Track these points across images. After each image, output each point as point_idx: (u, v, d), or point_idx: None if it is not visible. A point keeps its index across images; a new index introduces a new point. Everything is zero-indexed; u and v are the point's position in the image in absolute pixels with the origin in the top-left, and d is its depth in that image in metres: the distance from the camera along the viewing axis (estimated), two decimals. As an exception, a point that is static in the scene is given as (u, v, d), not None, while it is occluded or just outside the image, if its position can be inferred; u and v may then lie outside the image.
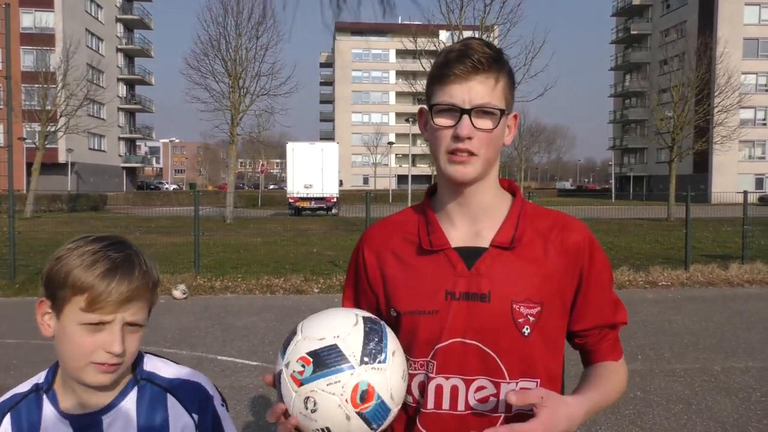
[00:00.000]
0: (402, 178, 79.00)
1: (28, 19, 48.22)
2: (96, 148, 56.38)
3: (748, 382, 5.36)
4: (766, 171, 55.40)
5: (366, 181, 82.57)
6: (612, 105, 75.64)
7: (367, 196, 11.03)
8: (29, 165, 29.51)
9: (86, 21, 53.96)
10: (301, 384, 1.05)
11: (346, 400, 1.03)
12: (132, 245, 1.19)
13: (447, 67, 1.17)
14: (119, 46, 62.41)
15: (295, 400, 1.05)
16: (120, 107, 62.25)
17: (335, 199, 29.59)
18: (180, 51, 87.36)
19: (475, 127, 1.16)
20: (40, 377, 1.22)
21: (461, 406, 1.19)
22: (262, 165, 50.65)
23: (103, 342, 1.09)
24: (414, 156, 42.51)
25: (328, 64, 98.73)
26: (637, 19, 68.54)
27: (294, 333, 1.12)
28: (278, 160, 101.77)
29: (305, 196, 28.28)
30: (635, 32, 66.54)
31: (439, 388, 1.19)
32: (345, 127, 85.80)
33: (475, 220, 1.25)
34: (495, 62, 1.18)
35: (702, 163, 53.59)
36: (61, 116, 28.93)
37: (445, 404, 1.19)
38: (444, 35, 21.08)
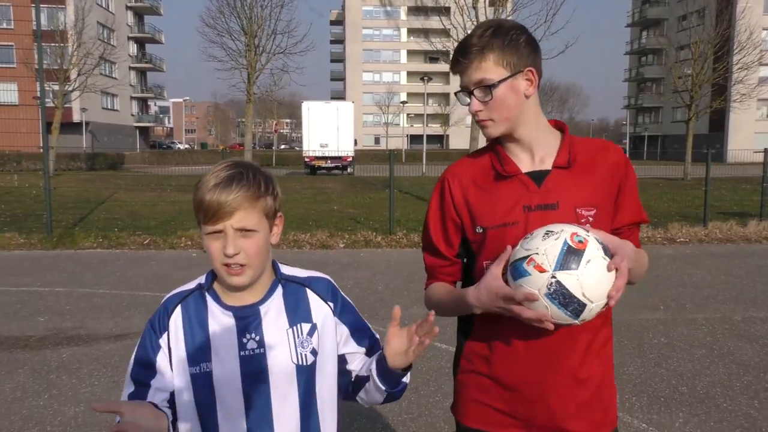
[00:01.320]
0: (414, 138, 78.63)
1: (38, -24, 47.66)
2: (109, 107, 56.45)
3: (767, 329, 5.59)
4: (783, 130, 54.64)
5: (377, 141, 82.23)
6: (627, 63, 74.29)
7: (391, 154, 11.18)
8: (48, 124, 29.66)
9: (95, -22, 53.29)
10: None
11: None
12: (248, 164, 1.38)
13: (453, 66, 1.56)
14: (129, 4, 61.76)
15: (521, 243, 1.39)
16: (131, 66, 62.00)
17: (351, 159, 29.68)
18: (189, 8, 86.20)
19: (479, 101, 1.52)
20: (201, 279, 1.46)
21: None
22: (276, 124, 50.57)
23: (221, 246, 1.31)
24: (427, 115, 42.24)
25: (338, 22, 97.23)
26: (655, -27, 66.70)
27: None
28: (288, 120, 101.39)
29: (321, 155, 28.39)
30: (654, -13, 64.86)
31: None
32: (356, 87, 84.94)
33: (534, 151, 1.57)
34: (478, 49, 1.49)
35: (718, 122, 52.91)
36: (79, 75, 28.98)
37: None
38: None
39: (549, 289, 1.31)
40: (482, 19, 14.40)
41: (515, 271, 1.37)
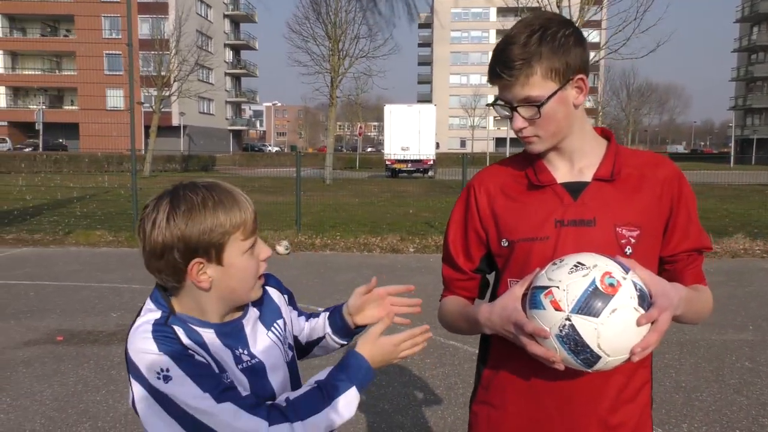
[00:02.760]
0: (500, 141, 77.35)
1: (144, -11, 51.01)
2: (205, 111, 59.38)
3: None
4: None
5: (463, 144, 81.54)
6: (735, 61, 69.49)
7: (464, 158, 10.97)
8: (146, 128, 31.65)
9: (196, -11, 56.26)
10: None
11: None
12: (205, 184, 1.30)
13: (490, 77, 1.37)
14: (226, 13, 64.73)
15: (548, 267, 1.23)
16: (227, 72, 64.94)
17: (432, 162, 29.55)
18: (282, 15, 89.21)
19: (524, 118, 1.34)
20: (156, 312, 1.25)
21: None
22: (360, 127, 51.31)
23: (257, 256, 1.29)
24: (513, 118, 41.50)
25: (427, 25, 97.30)
26: (768, -36, 61.99)
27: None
28: (375, 123, 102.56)
29: (402, 158, 28.45)
30: (765, -21, 60.32)
31: None
32: (443, 89, 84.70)
33: (573, 160, 1.41)
34: (522, 64, 1.29)
35: (838, 125, 48.36)
36: (174, 81, 30.69)
37: None
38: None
39: (561, 330, 1.14)
40: (575, 17, 13.86)
41: (532, 299, 1.20)
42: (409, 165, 29.09)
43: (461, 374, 4.54)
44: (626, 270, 1.16)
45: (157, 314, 1.26)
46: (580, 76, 1.33)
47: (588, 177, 1.38)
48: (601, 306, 1.11)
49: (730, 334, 5.57)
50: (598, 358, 1.13)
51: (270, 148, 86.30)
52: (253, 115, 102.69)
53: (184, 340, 1.23)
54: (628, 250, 1.32)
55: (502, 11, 77.77)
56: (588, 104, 73.06)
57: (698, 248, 1.41)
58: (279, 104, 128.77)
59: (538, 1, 14.55)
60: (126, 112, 39.05)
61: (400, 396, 4.19)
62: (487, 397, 1.48)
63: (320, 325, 1.56)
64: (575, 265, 1.17)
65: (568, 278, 1.15)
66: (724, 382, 4.45)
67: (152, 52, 31.29)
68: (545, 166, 1.42)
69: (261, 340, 1.37)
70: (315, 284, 7.51)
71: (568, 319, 1.13)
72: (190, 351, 1.21)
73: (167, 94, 31.04)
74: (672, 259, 1.41)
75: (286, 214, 12.85)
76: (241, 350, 1.32)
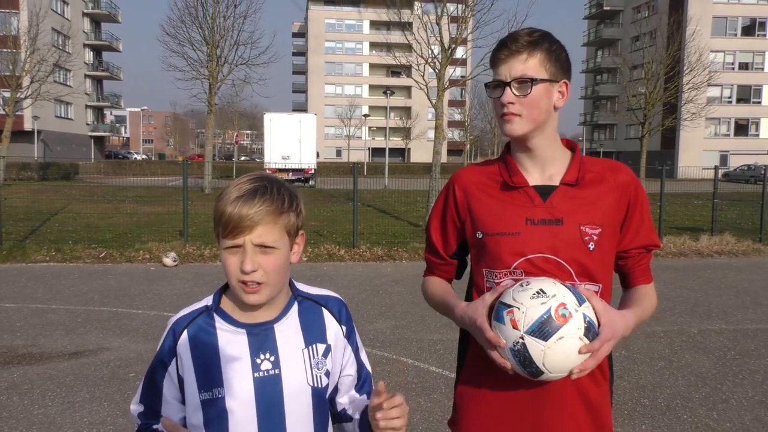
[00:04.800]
0: (375, 151, 78.81)
1: (-10, -20, 46.27)
2: (63, 115, 54.85)
3: (722, 342, 5.76)
4: (730, 148, 56.84)
5: (339, 153, 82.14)
6: (584, 81, 76.39)
7: (354, 167, 11.17)
8: (-4, 132, 28.66)
9: (51, -17, 51.99)
10: (514, 284, 1.43)
11: (549, 278, 1.41)
12: (272, 178, 1.34)
13: (494, 53, 1.56)
14: (85, 11, 60.35)
15: (513, 290, 1.39)
16: (87, 74, 60.50)
17: (313, 171, 29.56)
18: (150, 17, 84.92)
19: (515, 94, 1.50)
20: (208, 300, 1.38)
21: None
22: (237, 136, 49.99)
23: (239, 262, 1.26)
24: (389, 129, 42.56)
25: (301, 34, 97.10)
26: (610, -6, 68.95)
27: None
28: (249, 132, 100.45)
29: (283, 167, 28.18)
30: (608, 8, 67.00)
31: None
32: (318, 99, 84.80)
33: (544, 167, 1.58)
34: (528, 44, 1.51)
35: (670, 140, 54.75)
36: (32, 82, 28.10)
37: None
38: (423, 5, 20.98)
39: (515, 346, 1.34)
40: (445, 35, 14.62)
41: (497, 313, 1.40)
42: (290, 174, 28.86)
43: (374, 378, 4.67)
44: (581, 302, 1.36)
45: (199, 305, 1.37)
46: (565, 80, 1.55)
47: (556, 182, 1.56)
48: (550, 332, 1.31)
49: (606, 327, 6.20)
50: (542, 372, 1.34)
51: (136, 155, 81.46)
52: (117, 120, 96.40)
53: (189, 340, 1.33)
54: (591, 245, 1.50)
55: (375, 24, 79.56)
56: (457, 116, 76.73)
57: (647, 245, 1.61)
58: (146, 109, 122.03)
59: (419, 18, 15.17)
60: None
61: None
62: (473, 377, 1.62)
63: (356, 404, 1.46)
64: (538, 292, 1.35)
65: (529, 302, 1.34)
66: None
67: (3, 50, 28.46)
68: (519, 170, 1.58)
69: (292, 353, 1.35)
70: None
71: (522, 338, 1.33)
72: (164, 361, 1.34)
73: (21, 96, 28.34)
74: (624, 254, 1.60)
75: (167, 225, 12.32)
76: (265, 356, 1.33)
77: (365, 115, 52.59)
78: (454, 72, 28.80)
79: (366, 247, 10.53)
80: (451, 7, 15.57)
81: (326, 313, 1.44)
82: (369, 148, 77.35)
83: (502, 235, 1.53)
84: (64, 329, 5.88)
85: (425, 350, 5.43)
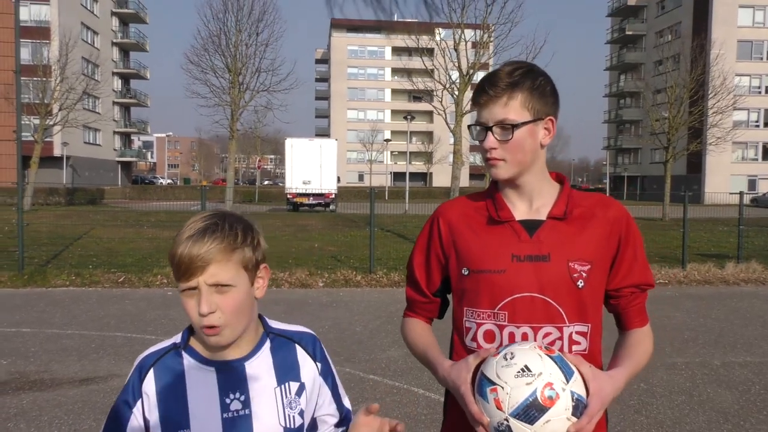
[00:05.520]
0: (397, 176, 79.10)
1: (25, 12, 47.93)
2: (91, 141, 56.14)
3: (747, 375, 5.55)
4: (758, 172, 55.89)
5: (361, 177, 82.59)
6: (607, 105, 76.00)
7: (371, 192, 11.17)
8: (26, 158, 29.41)
9: (82, 14, 53.69)
10: (498, 353, 1.34)
11: (535, 347, 1.32)
12: (227, 214, 1.29)
13: (474, 95, 1.51)
14: (114, 40, 62.10)
15: (497, 362, 1.31)
16: (115, 101, 62.01)
17: (333, 196, 29.71)
18: (176, 46, 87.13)
19: (497, 139, 1.46)
20: (177, 338, 1.35)
21: None
22: (259, 161, 50.59)
23: (197, 304, 1.21)
24: (410, 153, 42.73)
25: (324, 61, 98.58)
26: (632, 19, 68.85)
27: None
28: (272, 156, 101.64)
29: (304, 192, 28.37)
30: (630, 33, 66.89)
31: (511, 335, 1.45)
32: (341, 124, 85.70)
33: (532, 200, 1.53)
34: (508, 86, 1.45)
35: (696, 164, 54.00)
36: (60, 110, 28.86)
37: None
38: (443, 32, 21.21)
39: (499, 427, 1.28)
40: (463, 60, 14.69)
41: (480, 387, 1.32)
42: (311, 199, 29.06)
43: (384, 408, 4.57)
44: (569, 377, 1.29)
45: (167, 343, 1.34)
46: (550, 118, 1.50)
47: (543, 216, 1.49)
48: (537, 415, 1.24)
49: (625, 358, 6.02)
50: None
51: (162, 180, 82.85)
52: (144, 146, 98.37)
53: (154, 380, 1.28)
54: (581, 283, 1.44)
55: (397, 51, 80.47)
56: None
57: (640, 284, 1.54)
58: (172, 135, 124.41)
59: (437, 43, 15.29)
60: (1, 142, 36.14)
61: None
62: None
63: None
64: (522, 369, 1.27)
65: (513, 382, 1.26)
66: (624, 403, 4.80)
67: (34, 79, 29.33)
68: (505, 203, 1.53)
69: (263, 392, 1.31)
70: (225, 322, 7.29)
71: (506, 420, 1.26)
72: (129, 402, 1.29)
73: (51, 123, 29.12)
74: (616, 293, 1.53)
75: (187, 250, 12.38)
76: (235, 396, 1.28)
77: (387, 140, 52.93)
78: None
79: (383, 272, 10.46)
80: (469, 34, 15.70)
81: (300, 350, 1.39)
82: (391, 173, 77.71)
83: (487, 272, 1.47)
84: (77, 355, 5.90)
85: (436, 381, 5.32)
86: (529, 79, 1.47)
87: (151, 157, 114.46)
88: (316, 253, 13.28)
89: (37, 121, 28.91)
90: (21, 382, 5.10)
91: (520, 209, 1.52)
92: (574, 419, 1.26)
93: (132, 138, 72.85)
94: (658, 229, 20.21)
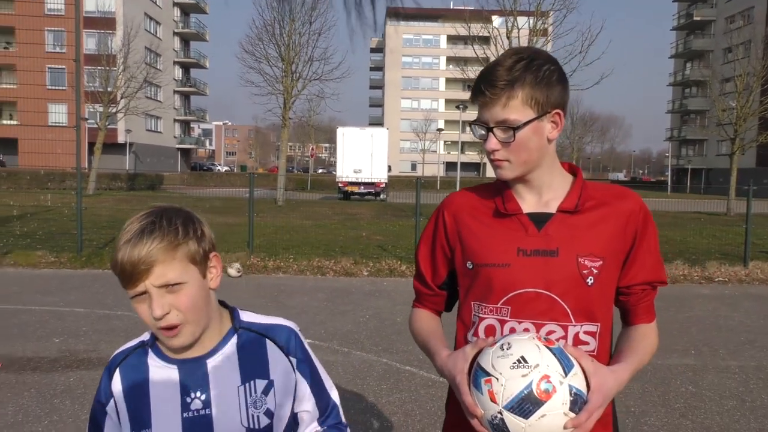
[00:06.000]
0: (450, 165, 78.52)
1: (91, 3, 49.90)
2: (153, 129, 58.09)
3: (807, 382, 5.22)
4: (834, 166, 52.61)
5: (414, 167, 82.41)
6: (671, 94, 73.04)
7: (418, 182, 11.09)
8: (91, 145, 30.71)
9: (145, 5, 55.43)
10: (495, 344, 1.27)
11: (533, 337, 1.25)
12: (164, 209, 1.24)
13: (472, 94, 1.43)
14: (176, 30, 63.86)
15: (493, 351, 1.25)
16: (176, 90, 63.87)
17: (384, 185, 29.74)
18: (234, 35, 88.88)
19: (499, 140, 1.38)
20: (146, 335, 1.34)
21: None
22: (312, 149, 51.18)
23: (149, 309, 1.17)
24: (463, 143, 42.29)
25: (379, 49, 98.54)
26: (700, 4, 65.73)
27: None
28: (327, 145, 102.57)
29: (354, 180, 28.51)
30: (698, 18, 63.89)
31: (512, 331, 1.38)
32: (394, 113, 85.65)
33: (541, 193, 1.45)
34: (507, 84, 1.34)
35: (766, 157, 51.29)
36: (121, 98, 29.95)
37: None
38: (497, 21, 20.78)
39: (492, 420, 1.22)
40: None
41: (475, 378, 1.25)
42: (362, 188, 29.17)
43: (418, 400, 4.53)
44: (567, 370, 1.21)
45: (135, 341, 1.32)
46: (557, 110, 1.39)
47: (553, 209, 1.42)
48: (531, 410, 1.17)
49: (674, 359, 5.77)
50: None
51: (219, 167, 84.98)
52: (203, 133, 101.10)
53: (121, 379, 1.28)
54: (590, 280, 1.37)
55: (452, 39, 79.61)
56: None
57: (652, 281, 1.45)
58: (229, 123, 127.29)
59: (488, 32, 15.00)
60: (69, 128, 37.82)
61: (356, 424, 4.14)
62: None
63: None
64: (519, 360, 1.20)
65: (509, 373, 1.20)
66: (670, 406, 4.60)
67: (98, 68, 30.49)
68: (513, 196, 1.46)
69: (226, 391, 1.27)
70: (268, 308, 7.39)
71: (500, 413, 1.19)
72: (101, 402, 1.29)
73: (114, 110, 30.24)
74: (627, 290, 1.45)
75: (237, 236, 12.64)
76: (196, 395, 1.25)
77: (440, 130, 52.57)
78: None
79: (428, 263, 10.38)
80: (522, 21, 15.32)
81: (270, 345, 1.33)
82: (444, 162, 77.22)
83: (491, 266, 1.41)
84: (125, 336, 6.09)
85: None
86: (531, 72, 1.35)
87: (210, 145, 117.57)
88: (363, 242, 13.31)
89: (101, 109, 30.08)
90: (70, 360, 5.31)
91: (528, 202, 1.45)
92: (573, 414, 1.19)
93: (191, 126, 74.95)
94: (720, 225, 19.33)
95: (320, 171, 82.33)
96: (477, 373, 1.26)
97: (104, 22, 43.23)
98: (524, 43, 15.28)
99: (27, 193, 25.20)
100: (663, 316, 7.47)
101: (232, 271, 9.41)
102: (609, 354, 1.44)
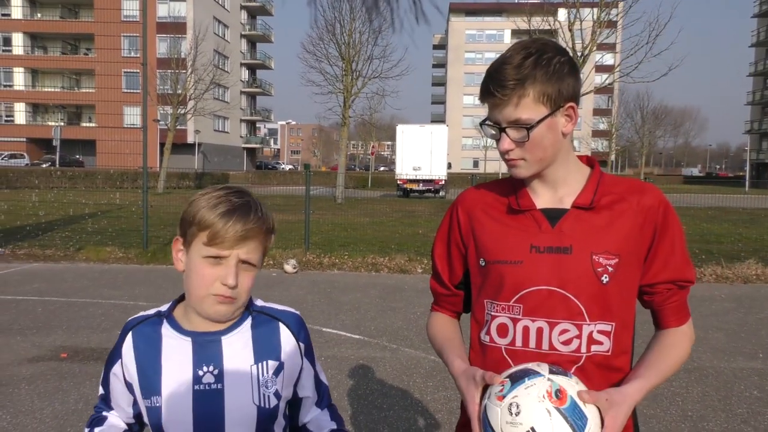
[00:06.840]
0: (513, 162, 77.24)
1: (163, 9, 52.06)
2: (220, 129, 60.02)
3: None
4: None
5: (476, 164, 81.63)
6: (751, 85, 69.14)
7: (473, 179, 10.96)
8: (161, 145, 32.05)
9: (214, 9, 57.28)
10: (503, 398, 1.18)
11: (543, 396, 1.15)
12: (251, 195, 1.33)
13: (481, 94, 1.39)
14: (243, 33, 65.70)
15: (501, 412, 1.17)
16: (242, 91, 65.72)
17: (443, 182, 29.59)
18: (298, 36, 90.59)
19: (512, 140, 1.34)
20: (163, 307, 1.40)
21: (545, 346, 1.34)
22: (373, 147, 51.53)
23: (220, 275, 1.23)
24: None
25: (441, 46, 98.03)
26: (784, -12, 61.91)
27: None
28: (389, 142, 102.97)
29: (414, 178, 28.50)
30: (781, 3, 60.21)
31: (525, 329, 1.35)
32: (456, 110, 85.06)
33: (556, 189, 1.41)
34: (516, 84, 1.29)
35: None
36: (190, 99, 31.10)
37: (531, 343, 1.35)
38: (561, 14, 20.24)
39: None
40: (578, 42, 13.84)
41: (485, 427, 1.21)
42: (421, 185, 29.14)
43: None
44: (581, 430, 1.15)
45: (152, 311, 1.39)
46: (570, 104, 1.34)
47: (568, 204, 1.38)
48: None
49: (740, 362, 5.47)
50: None
51: (283, 166, 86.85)
52: (268, 133, 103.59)
53: (133, 343, 1.34)
54: (605, 278, 1.32)
55: (516, 33, 78.27)
56: (602, 126, 72.86)
57: (678, 280, 1.38)
58: (293, 123, 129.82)
59: (550, 24, 14.63)
60: (139, 129, 39.70)
61: (400, 420, 4.14)
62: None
63: (323, 426, 1.44)
64: (510, 405, 1.16)
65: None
66: (731, 411, 4.36)
67: (169, 71, 31.76)
68: (527, 192, 1.43)
69: (239, 368, 1.30)
70: (321, 304, 7.49)
71: None
72: (111, 360, 1.36)
73: (183, 112, 31.43)
74: (650, 289, 1.39)
75: (295, 233, 12.88)
76: (209, 369, 1.29)
77: (480, 123, 51.79)
78: (598, 79, 27.35)
79: (483, 261, 10.27)
80: (585, 13, 14.86)
81: (283, 329, 1.37)
82: (507, 159, 75.95)
83: (503, 263, 1.38)
84: (182, 328, 6.32)
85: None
86: (541, 67, 1.30)
87: (275, 144, 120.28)
88: (419, 240, 13.29)
89: (171, 111, 31.33)
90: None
91: (543, 197, 1.41)
92: None
93: (257, 125, 76.95)
94: (802, 222, 18.15)
95: (381, 168, 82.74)
96: (486, 427, 1.22)
97: (175, 27, 44.98)
98: (587, 35, 14.81)
99: (101, 192, 26.55)
100: (731, 318, 7.10)
101: (288, 267, 9.59)
102: (629, 355, 1.38)
